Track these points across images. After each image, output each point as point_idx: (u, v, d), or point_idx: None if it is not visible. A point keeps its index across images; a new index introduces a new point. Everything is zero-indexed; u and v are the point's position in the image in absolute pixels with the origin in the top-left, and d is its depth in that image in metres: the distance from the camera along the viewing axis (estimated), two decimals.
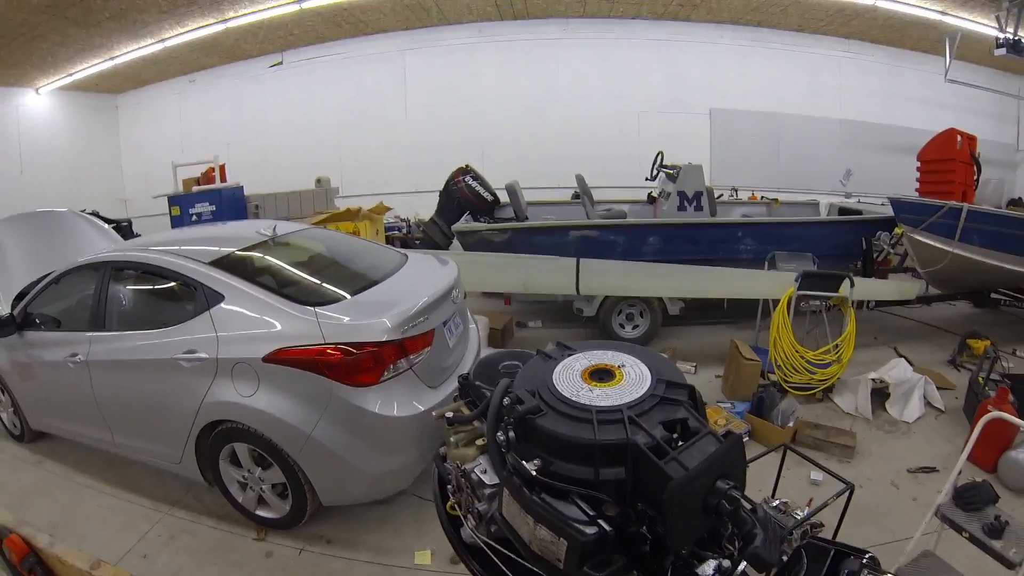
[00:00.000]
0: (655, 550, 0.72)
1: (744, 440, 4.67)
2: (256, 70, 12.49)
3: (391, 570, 3.42)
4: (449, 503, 0.91)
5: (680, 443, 0.72)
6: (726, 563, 0.74)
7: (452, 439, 0.91)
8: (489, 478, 0.83)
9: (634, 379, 0.78)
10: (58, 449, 4.67)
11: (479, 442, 0.88)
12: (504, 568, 0.80)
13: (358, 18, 11.31)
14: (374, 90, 12.32)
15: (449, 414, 0.92)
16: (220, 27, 10.46)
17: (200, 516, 3.91)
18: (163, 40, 10.72)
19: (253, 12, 10.16)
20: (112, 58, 11.23)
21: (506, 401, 0.76)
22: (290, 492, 3.54)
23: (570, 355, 0.85)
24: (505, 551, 0.80)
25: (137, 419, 3.87)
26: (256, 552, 3.59)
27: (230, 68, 12.57)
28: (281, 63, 12.29)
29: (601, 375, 0.80)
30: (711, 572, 0.69)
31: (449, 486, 0.92)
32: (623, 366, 0.81)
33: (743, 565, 0.69)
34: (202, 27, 10.46)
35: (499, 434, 0.75)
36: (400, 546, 3.56)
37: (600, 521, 0.69)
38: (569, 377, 0.79)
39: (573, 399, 0.75)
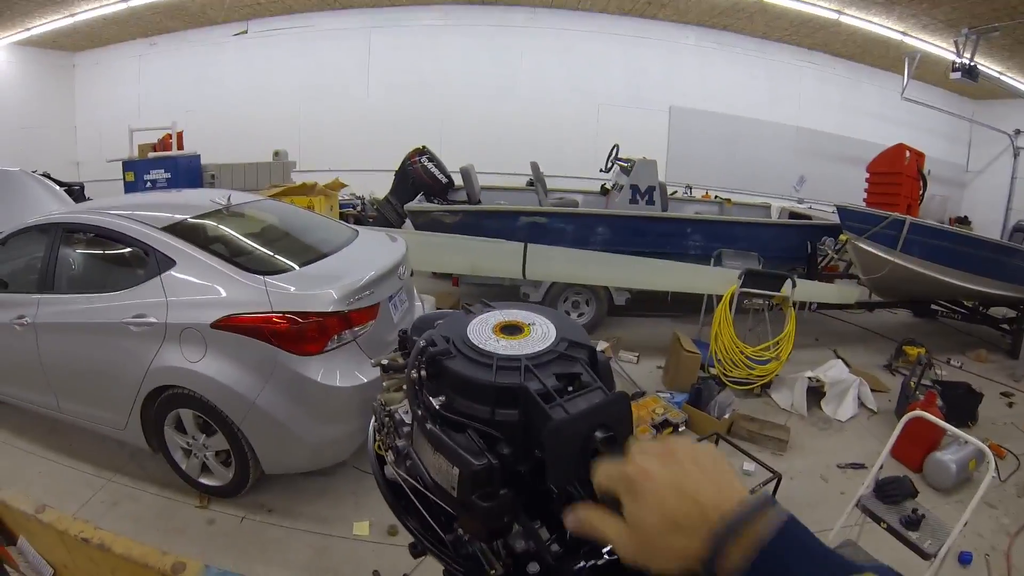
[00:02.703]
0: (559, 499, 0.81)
1: (681, 429, 4.84)
2: (219, 37, 12.18)
3: (329, 539, 3.48)
4: (376, 442, 1.00)
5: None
6: None
7: (385, 384, 1.01)
8: (408, 417, 0.92)
9: (540, 336, 0.86)
10: (0, 414, 4.57)
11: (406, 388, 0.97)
12: (413, 498, 0.88)
13: None
14: (337, 66, 12.17)
15: (384, 361, 1.01)
16: None
17: (143, 483, 3.91)
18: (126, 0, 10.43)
19: None
20: (72, 15, 10.87)
21: (422, 344, 0.85)
22: (233, 459, 3.57)
23: (488, 311, 0.94)
24: (415, 483, 0.88)
25: (83, 383, 3.84)
26: (198, 519, 3.62)
27: (193, 33, 12.24)
28: (246, 31, 12.05)
29: (511, 330, 0.88)
30: None
31: (376, 424, 1.02)
32: (533, 324, 0.89)
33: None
34: None
35: (414, 372, 0.84)
36: (339, 516, 3.62)
37: (488, 455, 0.76)
38: (481, 329, 0.87)
39: (480, 346, 0.83)
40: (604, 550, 0.81)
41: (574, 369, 0.83)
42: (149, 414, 3.65)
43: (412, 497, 0.90)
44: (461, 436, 0.79)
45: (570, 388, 0.81)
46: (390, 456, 0.97)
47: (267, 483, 3.81)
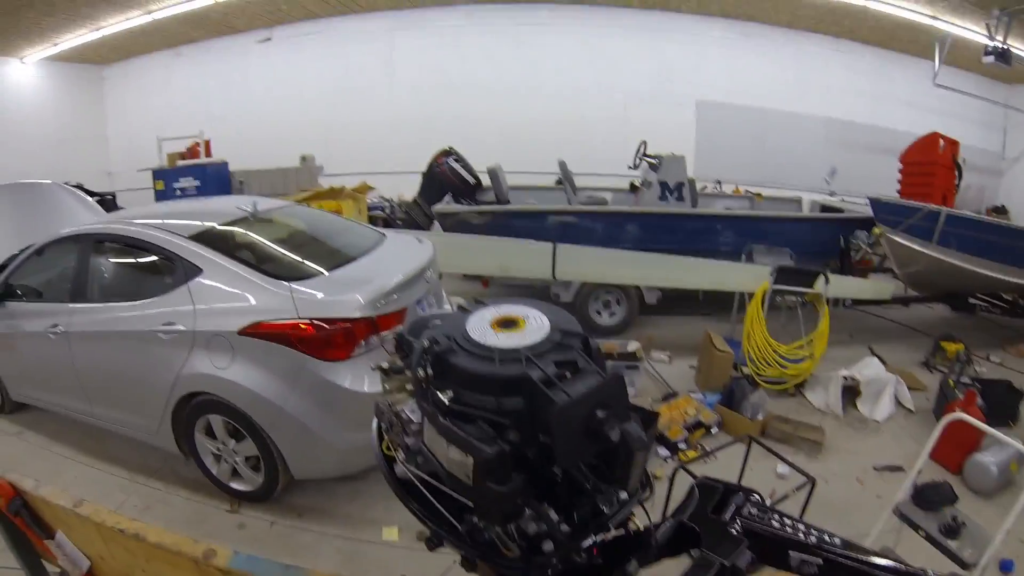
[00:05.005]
0: (569, 487, 0.86)
1: (714, 431, 4.76)
2: (244, 45, 12.40)
3: (359, 544, 3.47)
4: (384, 443, 1.02)
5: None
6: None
7: (387, 386, 1.02)
8: (416, 416, 0.95)
9: (535, 328, 0.91)
10: (38, 420, 4.70)
11: (409, 387, 0.99)
12: (426, 492, 0.93)
13: None
14: (361, 69, 12.30)
15: (384, 364, 1.02)
16: (210, 0, 10.41)
17: (175, 487, 3.97)
18: (150, 12, 10.62)
19: None
20: (98, 28, 11.12)
21: (426, 343, 0.88)
22: (263, 465, 3.59)
23: (483, 308, 0.96)
24: (429, 479, 0.91)
25: (116, 390, 3.91)
26: (229, 524, 3.65)
27: (218, 42, 12.47)
28: (270, 39, 12.21)
29: (507, 324, 0.92)
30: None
31: (383, 425, 1.04)
32: (527, 317, 0.94)
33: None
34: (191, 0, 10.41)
35: (420, 371, 0.87)
36: (369, 521, 3.61)
37: (499, 442, 0.80)
38: (480, 325, 0.92)
39: (481, 341, 0.87)
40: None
41: (570, 356, 0.88)
42: (180, 420, 3.69)
43: (425, 492, 0.93)
44: (472, 427, 0.83)
45: (568, 374, 0.86)
46: (400, 455, 1.00)
47: (298, 487, 3.83)
